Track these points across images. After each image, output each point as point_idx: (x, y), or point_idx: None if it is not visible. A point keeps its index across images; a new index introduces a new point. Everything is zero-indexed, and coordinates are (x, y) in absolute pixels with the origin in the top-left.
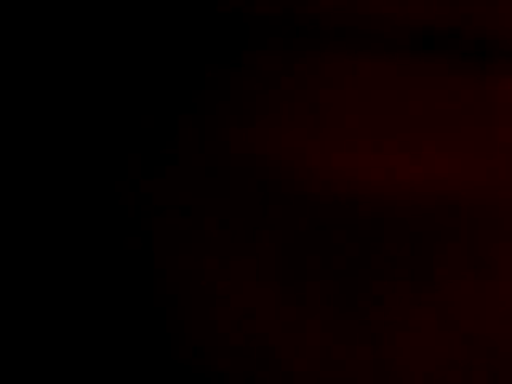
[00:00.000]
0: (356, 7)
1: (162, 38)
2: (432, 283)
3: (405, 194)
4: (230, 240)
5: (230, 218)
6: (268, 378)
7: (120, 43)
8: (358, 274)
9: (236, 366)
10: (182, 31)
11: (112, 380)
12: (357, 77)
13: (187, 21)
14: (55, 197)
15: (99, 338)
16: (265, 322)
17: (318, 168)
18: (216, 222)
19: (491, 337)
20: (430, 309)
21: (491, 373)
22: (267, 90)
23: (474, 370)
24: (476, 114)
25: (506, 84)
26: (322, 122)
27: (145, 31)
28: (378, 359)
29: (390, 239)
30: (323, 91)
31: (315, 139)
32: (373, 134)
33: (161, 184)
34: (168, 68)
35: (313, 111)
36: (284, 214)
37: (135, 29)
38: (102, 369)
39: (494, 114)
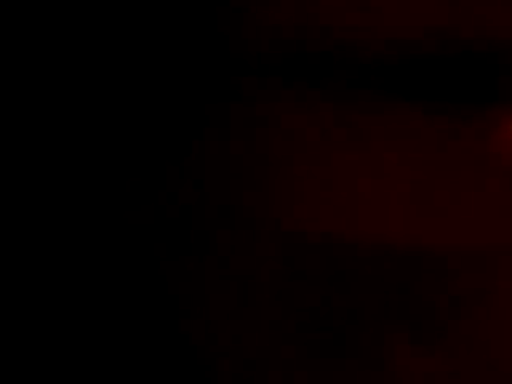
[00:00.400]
0: (356, 54)
1: (163, 74)
2: (424, 334)
3: (390, 246)
4: (227, 277)
5: (230, 258)
6: None
7: (122, 79)
8: (348, 325)
9: None
10: (182, 68)
11: (112, 380)
12: (347, 125)
13: (188, 58)
14: (65, 212)
15: (99, 337)
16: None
17: (304, 218)
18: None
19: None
20: (427, 359)
21: None
22: (268, 133)
23: None
24: (465, 165)
25: (496, 134)
26: (312, 168)
27: (146, 69)
28: None
29: (380, 289)
30: (317, 132)
31: (303, 190)
32: (359, 189)
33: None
34: (168, 107)
35: (302, 154)
36: (276, 260)
37: (136, 68)
38: (102, 368)
39: (484, 165)
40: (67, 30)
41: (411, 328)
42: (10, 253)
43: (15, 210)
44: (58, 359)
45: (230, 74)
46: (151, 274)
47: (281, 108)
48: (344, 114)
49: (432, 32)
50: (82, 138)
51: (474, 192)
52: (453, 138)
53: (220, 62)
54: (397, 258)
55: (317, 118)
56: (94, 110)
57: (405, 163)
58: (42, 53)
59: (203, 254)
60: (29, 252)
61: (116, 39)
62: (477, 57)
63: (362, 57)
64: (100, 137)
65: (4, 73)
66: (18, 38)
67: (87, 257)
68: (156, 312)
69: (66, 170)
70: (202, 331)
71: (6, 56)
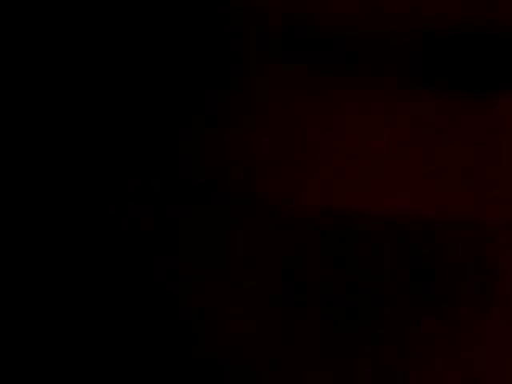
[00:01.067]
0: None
1: (163, 63)
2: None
3: (401, 217)
4: (236, 265)
5: (234, 245)
6: None
7: (121, 63)
8: (359, 301)
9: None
10: (181, 57)
11: (113, 380)
12: (356, 110)
13: (188, 39)
14: (77, 227)
15: (100, 338)
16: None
17: (316, 197)
18: (222, 248)
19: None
20: (434, 342)
21: None
22: (263, 110)
23: None
24: (465, 146)
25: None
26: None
27: (145, 60)
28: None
29: (391, 262)
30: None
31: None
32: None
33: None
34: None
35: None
36: (285, 241)
37: (135, 61)
38: (103, 368)
39: (493, 144)
40: (67, 30)
41: (424, 296)
42: (9, 252)
43: (15, 209)
44: (58, 358)
45: (228, 59)
46: (145, 266)
47: (278, 87)
48: (344, 94)
49: (443, 19)
50: (82, 132)
51: (474, 171)
52: (452, 121)
53: (218, 45)
54: (398, 229)
55: (317, 99)
56: (92, 104)
57: (403, 140)
58: (42, 53)
59: (198, 240)
60: (29, 251)
61: (114, 33)
62: (482, 43)
63: (363, 41)
64: (97, 129)
65: (4, 73)
66: (18, 38)
67: (86, 254)
68: (153, 306)
69: (65, 169)
70: (201, 323)
71: (6, 56)
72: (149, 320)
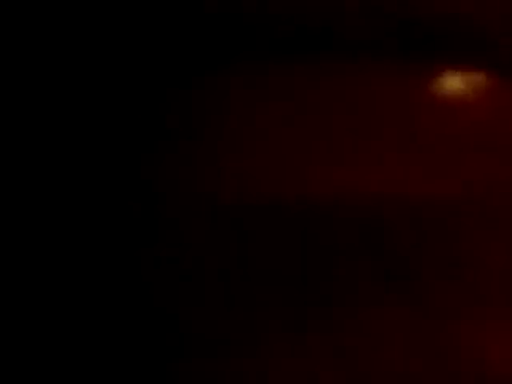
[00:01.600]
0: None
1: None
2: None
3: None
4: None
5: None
6: None
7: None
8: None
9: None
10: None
11: (113, 380)
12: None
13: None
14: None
15: (99, 338)
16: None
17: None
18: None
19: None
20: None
21: None
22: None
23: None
24: (398, 114)
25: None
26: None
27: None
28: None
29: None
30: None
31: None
32: (307, 144)
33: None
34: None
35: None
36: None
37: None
38: (103, 368)
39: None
40: (64, 30)
41: (383, 279)
42: (9, 253)
43: (14, 210)
44: (57, 358)
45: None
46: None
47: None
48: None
49: None
50: (76, 136)
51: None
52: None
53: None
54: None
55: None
56: (86, 106)
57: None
58: (40, 53)
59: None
60: (28, 250)
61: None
62: None
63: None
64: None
65: (4, 73)
66: (18, 38)
67: (83, 254)
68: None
69: (65, 169)
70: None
71: (6, 56)
72: (144, 322)
